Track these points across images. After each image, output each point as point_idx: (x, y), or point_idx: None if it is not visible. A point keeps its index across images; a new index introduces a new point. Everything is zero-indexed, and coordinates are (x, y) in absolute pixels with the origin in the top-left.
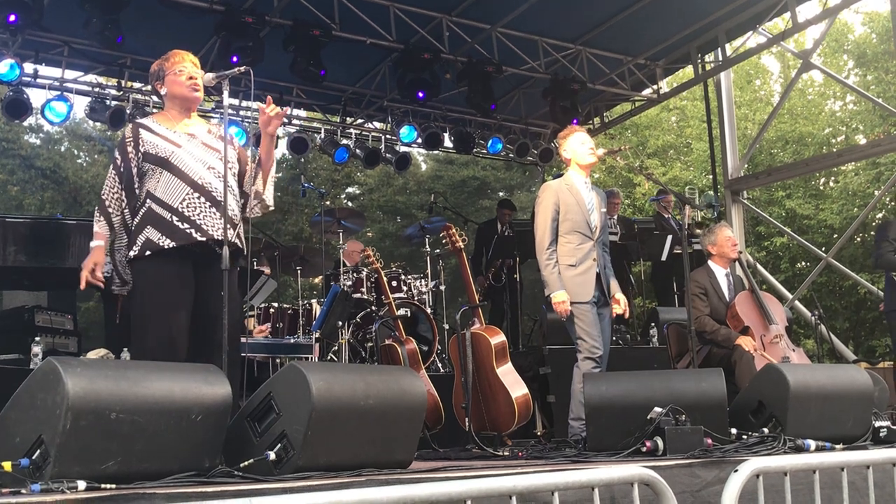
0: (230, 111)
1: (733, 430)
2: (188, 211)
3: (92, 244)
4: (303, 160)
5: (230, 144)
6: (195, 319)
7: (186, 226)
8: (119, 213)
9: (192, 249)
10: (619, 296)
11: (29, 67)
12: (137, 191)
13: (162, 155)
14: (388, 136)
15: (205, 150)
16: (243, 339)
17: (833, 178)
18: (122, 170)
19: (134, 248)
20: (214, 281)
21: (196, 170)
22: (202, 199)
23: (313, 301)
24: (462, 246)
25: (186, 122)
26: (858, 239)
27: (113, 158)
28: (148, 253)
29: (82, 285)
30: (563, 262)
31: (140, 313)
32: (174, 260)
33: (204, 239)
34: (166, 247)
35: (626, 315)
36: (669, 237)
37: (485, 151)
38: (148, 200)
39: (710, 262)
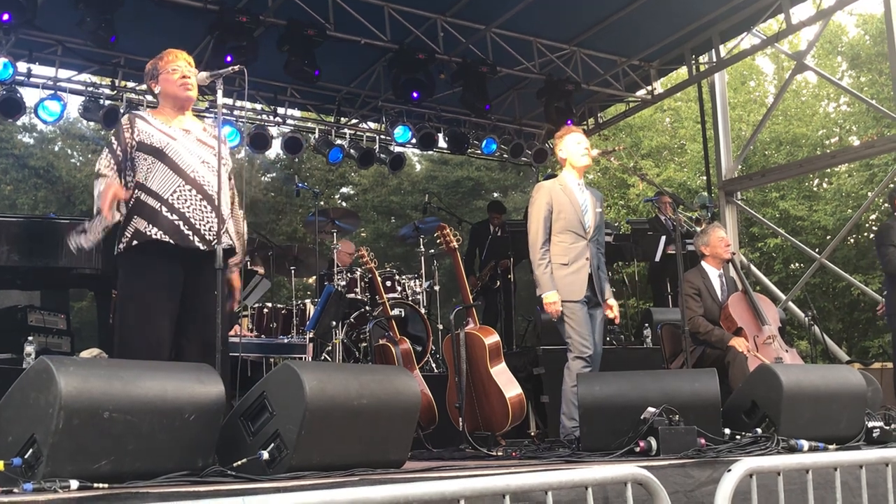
0: (224, 111)
1: (727, 431)
2: (178, 203)
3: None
4: (297, 160)
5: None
6: (187, 318)
7: (175, 217)
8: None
9: (183, 247)
10: (612, 301)
11: (22, 66)
12: (129, 179)
13: (157, 145)
14: (382, 137)
15: (199, 146)
16: (236, 339)
17: (827, 180)
18: (117, 153)
19: (122, 240)
20: (206, 279)
21: (190, 163)
22: (193, 192)
23: (307, 301)
24: (456, 246)
25: (181, 119)
26: (852, 240)
27: (108, 143)
28: (136, 243)
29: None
30: (555, 260)
31: (125, 312)
32: (164, 255)
33: (191, 240)
34: (153, 236)
35: (617, 320)
36: (663, 238)
37: (479, 152)
38: (137, 191)
39: (703, 263)
